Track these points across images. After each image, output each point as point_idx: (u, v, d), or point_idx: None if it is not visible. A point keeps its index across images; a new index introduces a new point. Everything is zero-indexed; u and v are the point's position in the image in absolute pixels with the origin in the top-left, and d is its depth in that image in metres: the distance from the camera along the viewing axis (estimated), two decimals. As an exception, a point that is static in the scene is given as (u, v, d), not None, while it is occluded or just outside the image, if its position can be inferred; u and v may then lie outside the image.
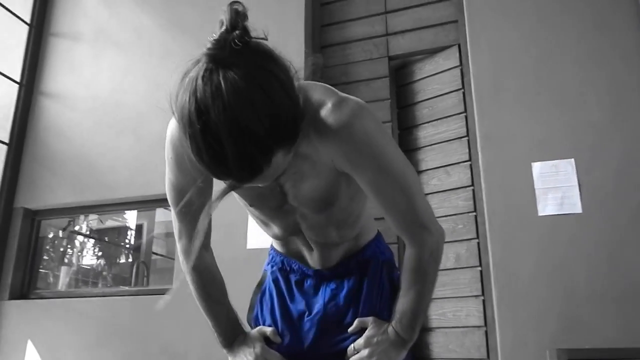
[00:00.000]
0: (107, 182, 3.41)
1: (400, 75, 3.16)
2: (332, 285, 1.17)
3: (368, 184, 1.00)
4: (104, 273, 5.04)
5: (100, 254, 5.13)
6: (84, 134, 3.57)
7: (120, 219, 5.12)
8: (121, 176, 3.38)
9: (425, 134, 2.96)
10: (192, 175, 0.95)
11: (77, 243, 4.80)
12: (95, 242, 5.05)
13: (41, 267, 3.81)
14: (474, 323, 2.53)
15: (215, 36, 0.75)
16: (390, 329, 1.10)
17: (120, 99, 3.57)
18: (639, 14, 2.56)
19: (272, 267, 1.26)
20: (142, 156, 3.36)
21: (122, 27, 3.75)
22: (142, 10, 3.70)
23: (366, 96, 2.92)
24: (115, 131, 3.50)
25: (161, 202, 3.41)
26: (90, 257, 5.07)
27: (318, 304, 1.16)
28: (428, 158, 2.93)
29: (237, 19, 0.75)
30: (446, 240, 1.11)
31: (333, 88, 0.98)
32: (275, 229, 1.16)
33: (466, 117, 2.82)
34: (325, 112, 0.93)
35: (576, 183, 2.45)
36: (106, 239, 5.22)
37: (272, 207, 1.08)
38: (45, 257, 4.22)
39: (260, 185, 0.88)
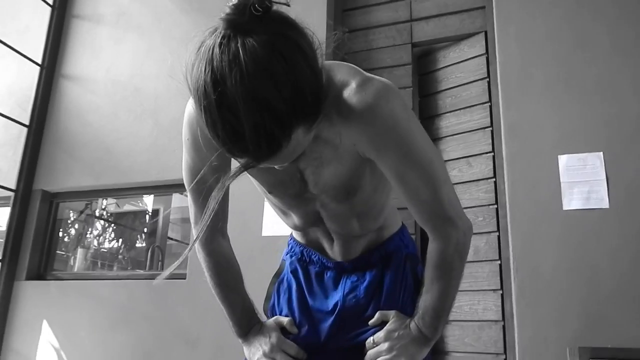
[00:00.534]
0: (124, 167, 3.41)
1: (423, 62, 3.09)
2: (353, 278, 1.13)
3: (391, 171, 0.94)
4: (120, 256, 5.08)
5: (116, 237, 5.16)
6: (103, 117, 3.58)
7: (139, 204, 5.15)
8: (139, 160, 3.38)
9: (447, 123, 2.89)
10: (209, 158, 0.90)
11: (94, 226, 4.84)
12: (111, 225, 5.09)
13: (60, 249, 3.85)
14: (491, 317, 2.47)
15: (234, 1, 0.69)
16: (412, 324, 1.05)
17: (139, 84, 3.56)
18: (676, 3, 2.45)
19: (291, 257, 1.22)
20: (160, 141, 3.36)
21: (144, 10, 3.73)
22: (164, -7, 3.68)
23: (387, 84, 2.85)
24: (134, 115, 3.49)
25: (178, 187, 3.40)
26: (107, 240, 5.11)
27: (337, 296, 1.12)
28: (449, 148, 2.86)
29: None
30: None
31: (358, 68, 0.92)
32: (295, 219, 1.12)
33: (490, 107, 2.74)
34: (349, 92, 0.87)
35: (604, 177, 2.36)
36: (124, 223, 5.26)
37: (292, 194, 1.04)
38: (65, 239, 4.27)
39: (277, 166, 0.83)
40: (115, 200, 4.71)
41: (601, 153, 2.40)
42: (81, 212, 4.35)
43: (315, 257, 1.17)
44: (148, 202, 5.07)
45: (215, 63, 0.68)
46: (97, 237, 4.92)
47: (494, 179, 2.65)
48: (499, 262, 2.52)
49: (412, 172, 0.93)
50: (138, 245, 5.23)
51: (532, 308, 2.32)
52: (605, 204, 2.33)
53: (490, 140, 2.71)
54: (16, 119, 3.63)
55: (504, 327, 2.42)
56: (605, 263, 2.27)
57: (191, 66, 0.71)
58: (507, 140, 2.57)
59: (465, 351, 2.51)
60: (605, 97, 2.46)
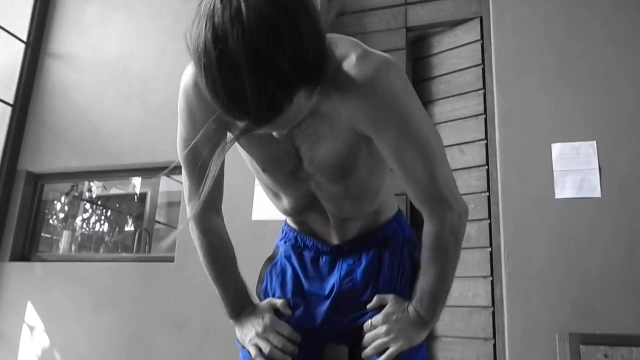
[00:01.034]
0: (111, 148, 3.35)
1: (417, 48, 3.05)
2: (349, 261, 1.11)
3: (388, 149, 0.92)
4: (106, 239, 5.03)
5: (103, 220, 5.10)
6: (90, 97, 3.50)
7: (125, 188, 5.09)
8: (126, 142, 3.33)
9: (440, 110, 2.87)
10: (205, 130, 0.87)
11: (80, 209, 4.77)
12: (98, 208, 5.02)
13: (46, 232, 3.79)
14: (481, 303, 2.48)
15: None
16: (410, 307, 1.04)
17: (128, 64, 3.48)
18: (673, -8, 2.43)
19: (285, 243, 1.20)
20: (148, 123, 3.30)
21: (133, -12, 3.64)
22: (154, -29, 3.59)
23: (381, 68, 2.81)
24: (122, 96, 3.43)
25: (166, 169, 3.34)
26: (93, 223, 5.05)
27: (333, 280, 1.10)
28: (442, 135, 2.78)
29: None
30: None
31: (360, 42, 0.89)
32: (287, 202, 1.09)
33: (484, 94, 2.72)
34: (349, 65, 0.85)
35: (597, 166, 2.36)
36: (110, 206, 5.20)
37: (286, 173, 1.01)
38: (51, 222, 4.20)
39: (275, 134, 0.81)
40: (101, 183, 4.64)
41: (594, 142, 2.39)
42: (67, 194, 4.28)
43: (309, 242, 1.15)
44: (136, 184, 5.01)
45: (216, 19, 0.64)
46: (83, 220, 4.85)
47: (486, 167, 2.64)
48: (489, 249, 2.52)
49: (409, 151, 0.91)
50: (125, 229, 5.18)
51: (522, 295, 2.32)
52: (597, 193, 2.33)
53: (484, 128, 2.69)
54: (0, 97, 3.54)
55: (493, 313, 2.43)
56: (595, 252, 2.28)
57: (191, 23, 0.68)
58: (501, 127, 2.56)
59: (454, 336, 2.52)
60: (599, 86, 2.45)
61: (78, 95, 3.54)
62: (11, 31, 3.64)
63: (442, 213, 0.98)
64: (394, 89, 0.86)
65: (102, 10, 3.68)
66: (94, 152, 3.39)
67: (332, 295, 1.09)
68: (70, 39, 3.71)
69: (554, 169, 2.41)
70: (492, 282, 2.47)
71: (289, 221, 1.20)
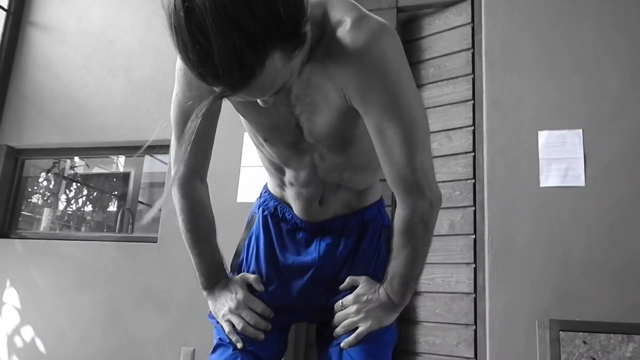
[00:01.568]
0: (95, 124, 3.29)
1: (408, 29, 3.01)
2: (328, 240, 1.10)
3: (372, 123, 0.89)
4: (88, 218, 4.96)
5: (85, 199, 5.04)
6: (74, 70, 3.42)
7: (108, 167, 5.02)
8: (110, 119, 3.26)
9: (429, 94, 2.85)
10: (199, 93, 0.84)
11: (62, 186, 4.70)
12: (80, 186, 4.95)
13: (26, 211, 3.72)
14: (463, 290, 2.50)
15: None
16: (381, 289, 1.04)
17: (113, 36, 3.40)
18: (665, -19, 2.42)
19: (263, 211, 1.17)
20: (133, 100, 3.24)
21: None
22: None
23: (371, 50, 2.77)
24: (106, 70, 3.35)
25: (150, 148, 3.29)
26: (75, 201, 4.98)
27: (311, 257, 1.09)
28: (430, 121, 2.76)
29: None
30: (442, 206, 1.01)
31: (357, 4, 0.85)
32: (290, 176, 1.06)
33: (473, 80, 2.70)
34: (342, 31, 0.81)
35: (582, 155, 2.37)
36: (93, 185, 5.12)
37: (288, 143, 0.99)
38: (32, 201, 4.13)
39: (261, 102, 0.78)
40: (84, 162, 4.57)
41: (580, 130, 2.40)
42: (48, 171, 4.21)
43: (288, 215, 1.13)
44: (120, 163, 4.94)
45: None
46: (65, 199, 4.78)
47: (473, 153, 2.64)
48: (473, 236, 2.53)
49: (391, 129, 0.88)
50: (108, 209, 5.11)
51: (504, 281, 2.34)
52: (581, 181, 2.34)
53: (472, 114, 2.68)
54: (-21, 68, 3.45)
55: (475, 299, 2.44)
56: (577, 240, 2.30)
57: None
58: (489, 114, 2.55)
59: (436, 321, 2.54)
60: (587, 75, 2.45)
61: (61, 68, 3.45)
62: (-8, 0, 3.53)
63: (414, 199, 0.96)
64: (386, 59, 0.82)
65: (87, -22, 3.58)
66: (77, 128, 3.32)
67: (309, 274, 1.08)
68: (53, 7, 3.61)
69: (539, 156, 2.42)
70: (475, 269, 2.48)
71: (271, 188, 1.18)
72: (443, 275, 2.56)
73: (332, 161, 1.01)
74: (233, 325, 1.06)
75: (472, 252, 2.51)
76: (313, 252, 1.10)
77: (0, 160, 3.42)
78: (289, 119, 0.94)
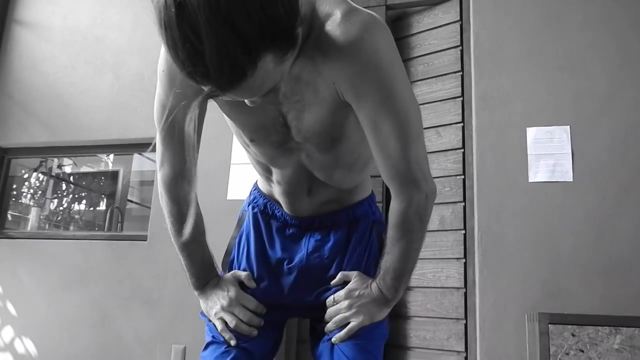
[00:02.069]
0: (82, 123, 3.26)
1: (397, 27, 3.02)
2: (317, 237, 1.10)
3: (365, 117, 0.89)
4: (77, 217, 4.92)
5: (73, 198, 4.99)
6: (60, 69, 3.38)
7: (96, 166, 4.98)
8: (98, 117, 3.24)
9: (418, 91, 2.86)
10: (184, 93, 0.82)
11: (49, 185, 4.65)
12: (68, 185, 4.90)
13: (13, 211, 3.68)
14: (454, 284, 2.52)
15: None
16: (373, 285, 1.04)
17: (100, 34, 3.37)
18: (650, -21, 2.45)
19: (253, 208, 1.17)
20: (121, 98, 3.21)
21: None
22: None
23: (360, 47, 2.77)
24: (93, 68, 3.32)
25: (139, 146, 3.28)
26: (62, 201, 4.93)
27: (300, 254, 1.09)
28: None
29: None
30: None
31: None
32: (278, 175, 1.06)
33: (462, 77, 2.72)
34: (332, 25, 0.80)
35: (569, 151, 2.39)
36: (81, 184, 5.08)
37: (275, 143, 0.98)
38: (20, 201, 4.08)
39: (249, 102, 0.77)
40: (72, 161, 4.53)
41: (568, 127, 2.43)
42: (35, 170, 4.16)
43: (278, 212, 1.13)
44: (108, 162, 4.90)
45: None
46: (53, 198, 4.73)
47: (462, 150, 2.65)
48: (463, 231, 2.55)
49: (386, 122, 0.88)
50: (97, 208, 5.07)
51: (494, 276, 2.36)
52: (569, 177, 2.37)
53: (461, 111, 2.70)
54: (-36, 66, 3.40)
55: (465, 294, 2.47)
56: (566, 235, 2.32)
57: None
58: (478, 110, 2.57)
59: (427, 316, 2.56)
60: (575, 71, 2.47)
61: (47, 66, 3.41)
62: (-25, -3, 3.48)
63: (409, 192, 0.96)
64: (378, 52, 0.82)
65: (73, -24, 3.54)
66: (64, 126, 3.29)
67: (298, 269, 1.08)
68: (39, 5, 3.57)
69: (528, 152, 2.44)
70: (465, 264, 2.50)
71: (261, 185, 1.18)
72: (433, 270, 2.58)
73: (320, 160, 1.01)
74: (226, 323, 1.06)
75: (462, 247, 2.53)
76: (302, 249, 1.10)
77: (-14, 160, 3.38)
78: (276, 118, 0.93)
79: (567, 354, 1.98)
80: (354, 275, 1.06)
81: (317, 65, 0.84)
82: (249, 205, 1.19)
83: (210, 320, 1.09)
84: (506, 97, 2.53)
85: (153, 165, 3.82)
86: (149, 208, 3.13)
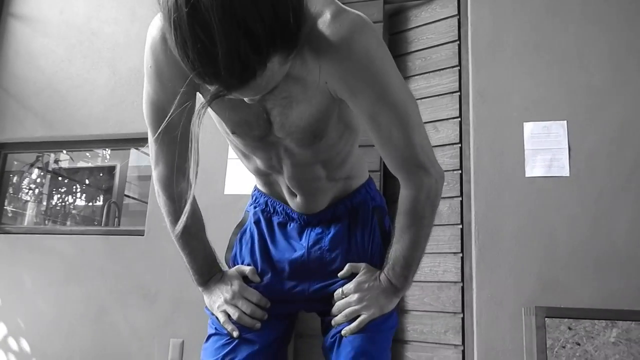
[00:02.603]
0: (79, 117, 3.25)
1: (395, 21, 3.02)
2: (317, 230, 1.10)
3: (364, 113, 0.90)
4: (74, 212, 4.91)
5: (70, 193, 4.98)
6: (57, 63, 3.37)
7: (93, 161, 4.96)
8: (94, 111, 3.22)
9: (416, 86, 2.86)
10: (174, 90, 0.83)
11: (46, 180, 4.64)
12: (65, 180, 4.89)
13: (10, 206, 3.67)
14: (451, 279, 2.52)
15: None
16: (382, 276, 1.04)
17: (96, 28, 3.35)
18: (647, -26, 2.45)
19: (254, 208, 1.17)
20: (118, 92, 3.20)
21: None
22: None
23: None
24: (90, 62, 3.30)
25: (136, 141, 3.27)
26: (59, 196, 4.92)
27: (301, 248, 1.09)
28: None
29: None
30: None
31: None
32: (257, 162, 1.07)
33: (460, 71, 2.72)
34: (322, 25, 0.81)
35: (566, 146, 2.40)
36: (78, 179, 5.07)
37: (256, 136, 0.98)
38: (16, 196, 4.07)
39: (247, 99, 0.78)
40: (68, 156, 4.51)
41: (565, 122, 2.43)
42: (31, 165, 4.15)
43: (279, 207, 1.14)
44: (106, 154, 4.89)
45: None
46: (50, 193, 4.72)
47: (459, 145, 2.66)
48: (460, 226, 2.56)
49: (386, 115, 0.89)
50: (94, 203, 5.06)
51: (491, 270, 2.37)
52: (566, 172, 2.38)
53: (458, 105, 2.70)
54: (-41, 61, 3.38)
55: (462, 288, 2.48)
56: (562, 229, 2.33)
57: None
58: (475, 105, 2.57)
59: (424, 310, 2.57)
60: (572, 66, 2.48)
61: (44, 61, 3.40)
62: (-30, -9, 3.46)
63: (419, 177, 0.97)
64: (370, 50, 0.83)
65: (69, -31, 3.52)
66: (60, 121, 3.28)
67: (299, 263, 1.08)
68: None
69: (525, 147, 2.45)
70: (462, 258, 2.51)
71: (260, 186, 1.18)
72: (431, 264, 2.59)
73: (299, 156, 1.01)
74: (229, 316, 1.06)
75: (459, 241, 2.54)
76: (304, 242, 1.10)
77: (-18, 155, 3.37)
78: (260, 114, 0.94)
79: (564, 347, 2.00)
80: (361, 267, 1.06)
81: (308, 63, 0.84)
82: (250, 206, 1.20)
83: (213, 314, 1.10)
84: (503, 92, 2.54)
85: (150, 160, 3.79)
86: (146, 203, 3.12)
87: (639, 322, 1.94)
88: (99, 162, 5.00)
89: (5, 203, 3.57)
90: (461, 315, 2.45)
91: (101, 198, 4.90)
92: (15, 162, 3.87)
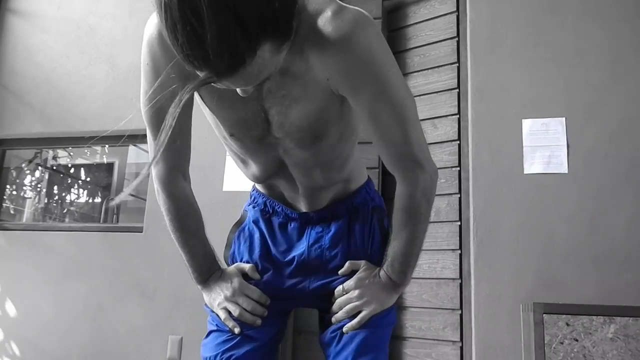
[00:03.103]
0: (77, 114, 3.24)
1: (393, 18, 3.01)
2: (318, 229, 1.11)
3: (364, 109, 0.91)
4: (72, 209, 4.90)
5: (68, 189, 4.97)
6: (55, 59, 3.36)
7: (91, 158, 4.95)
8: (93, 108, 3.22)
9: (414, 83, 2.86)
10: (173, 89, 0.83)
11: (44, 177, 4.63)
12: (63, 177, 4.88)
13: (8, 203, 3.66)
14: (449, 275, 2.53)
15: None
16: (382, 272, 1.05)
17: (94, 23, 3.34)
18: (646, -29, 2.45)
19: (253, 207, 1.17)
20: (116, 88, 3.19)
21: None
22: None
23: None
24: (88, 58, 3.30)
25: (135, 138, 3.25)
26: (58, 192, 4.92)
27: (302, 246, 1.10)
28: None
29: None
30: None
31: None
32: (255, 168, 1.07)
33: (458, 68, 2.72)
34: (324, 21, 0.82)
35: (565, 143, 2.40)
36: (76, 176, 5.06)
37: (254, 137, 0.98)
38: (15, 192, 4.06)
39: (240, 91, 0.77)
40: (67, 152, 4.50)
41: (563, 119, 2.43)
42: (30, 161, 4.14)
43: (278, 208, 1.14)
44: (105, 150, 4.88)
45: None
46: (48, 189, 4.71)
47: (458, 142, 2.66)
48: (459, 223, 2.56)
49: (385, 111, 0.90)
50: (93, 200, 5.06)
51: (489, 267, 2.38)
52: (564, 168, 2.38)
53: (457, 102, 2.70)
54: (-43, 56, 3.37)
55: (460, 284, 2.48)
56: (560, 226, 2.34)
57: None
58: (474, 102, 2.57)
59: (422, 306, 2.57)
60: (571, 63, 2.48)
61: (42, 57, 3.39)
62: (-32, -13, 3.44)
63: (415, 174, 0.98)
64: (371, 46, 0.84)
65: (67, -35, 3.51)
66: (59, 117, 3.27)
67: (300, 260, 1.09)
68: (33, -5, 3.53)
69: (523, 144, 2.45)
70: (460, 255, 2.52)
71: (258, 186, 1.18)
72: (429, 261, 2.59)
73: (299, 157, 1.01)
74: (229, 313, 1.06)
75: (458, 238, 2.54)
76: (304, 242, 1.11)
77: (-20, 151, 3.36)
78: (257, 113, 0.94)
79: (562, 343, 2.00)
80: (362, 264, 1.07)
81: (308, 60, 0.85)
82: (249, 205, 1.20)
83: (213, 311, 1.10)
84: (502, 88, 2.54)
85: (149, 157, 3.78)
86: (145, 200, 3.12)
87: (636, 318, 1.95)
88: (97, 159, 4.99)
89: (4, 200, 3.56)
90: (459, 312, 2.46)
91: (100, 195, 4.90)
92: (14, 159, 3.87)
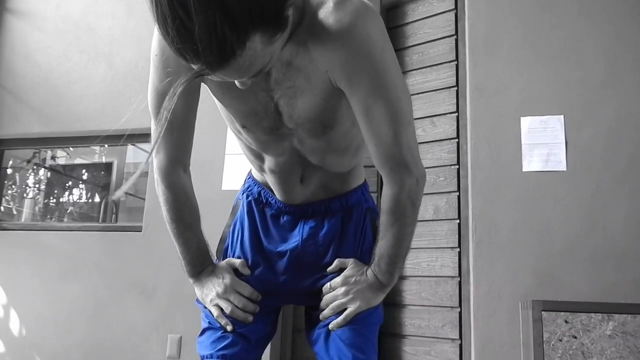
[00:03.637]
0: (76, 113, 3.24)
1: (392, 16, 3.02)
2: (311, 224, 1.11)
3: (358, 104, 0.90)
4: (71, 209, 4.90)
5: (67, 189, 4.97)
6: (53, 58, 3.35)
7: (90, 158, 4.95)
8: (91, 107, 3.22)
9: (413, 81, 2.86)
10: (178, 79, 0.83)
11: (43, 177, 4.62)
12: (62, 177, 4.88)
13: (6, 203, 3.66)
14: (448, 273, 2.53)
15: None
16: (369, 271, 1.06)
17: (93, 23, 3.34)
18: (644, -31, 2.45)
19: (247, 197, 1.17)
20: (115, 87, 3.19)
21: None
22: None
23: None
24: (86, 57, 3.29)
25: (133, 137, 3.26)
26: (56, 192, 4.91)
27: (294, 240, 1.10)
28: (414, 107, 2.78)
29: None
30: (426, 192, 1.03)
31: None
32: (270, 161, 1.07)
33: (457, 66, 2.72)
34: (325, 13, 0.82)
35: (563, 140, 2.41)
36: (75, 175, 5.05)
37: (266, 129, 0.98)
38: (11, 191, 4.06)
39: (239, 83, 0.77)
40: (66, 152, 4.50)
41: (562, 116, 2.43)
42: (28, 161, 4.14)
43: (272, 199, 1.14)
44: (101, 153, 4.87)
45: None
46: (47, 189, 4.71)
47: (457, 140, 2.66)
48: (457, 221, 2.56)
49: (378, 108, 0.89)
50: (92, 199, 5.05)
51: (488, 265, 2.38)
52: (562, 166, 2.39)
53: (455, 100, 2.70)
54: (-45, 56, 3.36)
55: (459, 282, 2.48)
56: (559, 223, 2.34)
57: None
58: (472, 100, 2.57)
59: (421, 304, 2.58)
60: (569, 61, 2.48)
61: (40, 56, 3.38)
62: (-34, -14, 3.44)
63: (401, 177, 0.97)
64: (371, 39, 0.83)
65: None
66: (58, 117, 3.27)
67: (293, 255, 1.09)
68: (31, -6, 3.53)
69: (522, 142, 2.45)
70: (459, 252, 2.52)
71: (255, 174, 1.18)
72: (428, 259, 2.59)
73: (312, 145, 1.02)
74: (221, 309, 1.07)
75: (457, 236, 2.55)
76: (296, 236, 1.11)
77: (-21, 151, 3.36)
78: (267, 104, 0.94)
79: (561, 340, 2.01)
80: (350, 262, 1.07)
81: (310, 52, 0.84)
82: (243, 194, 1.19)
83: (205, 307, 1.10)
84: (500, 86, 2.54)
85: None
86: (144, 199, 3.12)
87: (634, 315, 1.95)
88: (96, 159, 4.99)
89: (2, 200, 3.56)
90: (458, 310, 2.46)
91: (99, 195, 4.90)
92: (13, 159, 3.87)
